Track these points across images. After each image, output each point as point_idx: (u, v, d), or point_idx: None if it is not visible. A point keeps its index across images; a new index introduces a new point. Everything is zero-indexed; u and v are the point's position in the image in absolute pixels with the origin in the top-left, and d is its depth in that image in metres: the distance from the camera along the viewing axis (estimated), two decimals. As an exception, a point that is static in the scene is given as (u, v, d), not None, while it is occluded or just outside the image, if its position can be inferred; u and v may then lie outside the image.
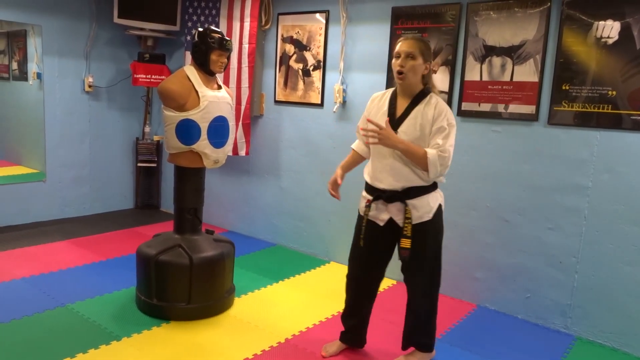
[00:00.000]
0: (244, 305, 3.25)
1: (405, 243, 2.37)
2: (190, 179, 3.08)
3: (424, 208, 2.38)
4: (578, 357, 2.86)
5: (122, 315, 3.01)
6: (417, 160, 2.30)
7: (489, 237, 3.37)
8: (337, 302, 3.36)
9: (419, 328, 2.62)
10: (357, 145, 2.68)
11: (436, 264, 2.53)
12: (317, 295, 3.50)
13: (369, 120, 2.34)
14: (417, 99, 2.37)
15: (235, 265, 3.36)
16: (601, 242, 2.98)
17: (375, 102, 2.53)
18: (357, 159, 2.70)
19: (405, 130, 2.34)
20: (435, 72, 3.46)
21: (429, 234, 2.42)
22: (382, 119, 2.36)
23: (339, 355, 2.71)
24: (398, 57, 2.34)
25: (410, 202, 2.36)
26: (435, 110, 2.32)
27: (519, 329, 3.16)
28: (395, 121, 2.37)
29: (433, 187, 2.43)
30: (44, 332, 2.77)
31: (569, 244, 3.08)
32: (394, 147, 2.31)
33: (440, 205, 2.45)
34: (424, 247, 2.43)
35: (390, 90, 2.50)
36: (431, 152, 2.28)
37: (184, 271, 2.92)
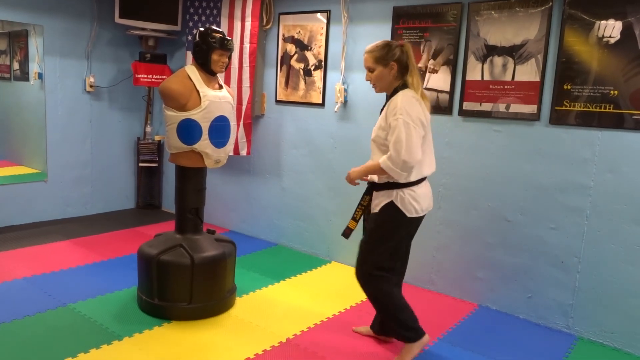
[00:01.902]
0: (245, 305, 3.25)
1: (351, 223, 2.62)
2: (192, 179, 3.08)
3: (375, 202, 2.53)
4: (580, 357, 2.86)
5: (123, 315, 3.01)
6: (379, 172, 2.46)
7: (491, 236, 3.36)
8: (338, 302, 3.36)
9: (383, 318, 2.72)
10: None
11: (367, 257, 2.56)
12: (318, 295, 3.50)
13: None
14: (388, 99, 2.50)
15: (236, 265, 3.36)
16: (603, 242, 2.97)
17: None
18: None
19: (373, 130, 2.52)
20: (436, 71, 3.47)
21: (373, 228, 2.55)
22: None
23: (342, 352, 2.71)
24: None
25: (374, 193, 2.55)
26: (389, 106, 2.41)
27: (521, 328, 3.16)
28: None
29: (392, 185, 2.45)
30: (45, 331, 2.77)
31: (571, 243, 3.08)
32: (359, 178, 2.56)
33: (391, 203, 2.46)
34: (365, 236, 2.59)
35: None
36: (382, 160, 2.39)
37: (185, 271, 2.92)
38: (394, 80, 2.48)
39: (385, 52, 2.44)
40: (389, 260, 2.58)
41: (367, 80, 2.54)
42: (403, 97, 2.39)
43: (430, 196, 2.60)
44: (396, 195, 2.45)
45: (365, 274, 2.58)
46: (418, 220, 2.57)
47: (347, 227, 2.63)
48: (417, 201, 2.47)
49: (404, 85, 2.46)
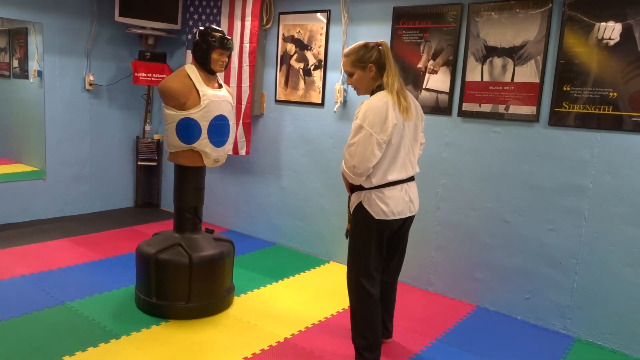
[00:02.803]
0: (243, 305, 3.25)
1: (348, 225, 2.59)
2: (191, 178, 3.08)
3: (350, 202, 2.53)
4: (577, 359, 2.86)
5: (121, 314, 3.01)
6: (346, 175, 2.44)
7: (489, 237, 3.37)
8: (336, 302, 3.36)
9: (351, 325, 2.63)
10: None
11: (348, 256, 2.55)
12: (316, 294, 3.50)
13: None
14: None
15: (235, 265, 3.36)
16: (601, 243, 2.98)
17: None
18: None
19: None
20: (435, 72, 3.47)
21: (351, 225, 2.54)
22: None
23: (339, 352, 2.71)
24: None
25: (352, 194, 2.54)
26: (358, 109, 2.37)
27: (519, 329, 3.16)
28: None
29: (360, 187, 2.43)
30: (43, 330, 2.77)
31: (569, 245, 3.08)
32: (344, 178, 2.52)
33: (360, 204, 2.43)
34: (349, 235, 2.58)
35: None
36: (342, 164, 2.41)
37: (183, 270, 2.92)
38: (373, 81, 2.43)
39: (361, 55, 2.39)
40: (372, 264, 2.49)
41: (348, 84, 2.50)
42: (370, 101, 2.35)
43: (406, 200, 2.47)
44: (364, 197, 2.41)
45: (350, 280, 2.54)
46: (392, 224, 2.47)
47: (348, 229, 2.60)
48: (385, 203, 2.39)
49: (380, 87, 2.40)
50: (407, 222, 2.60)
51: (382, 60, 2.39)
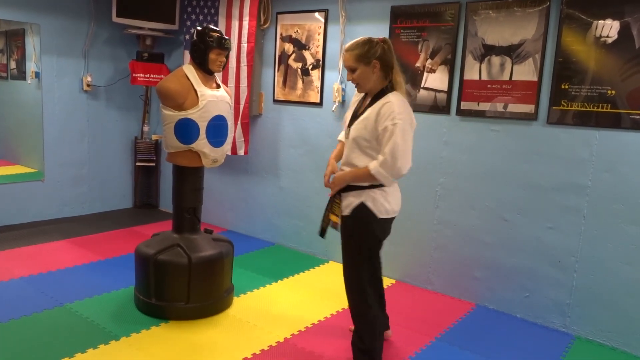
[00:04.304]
0: (242, 305, 3.25)
1: (333, 217, 2.48)
2: (189, 178, 3.07)
3: (344, 202, 2.42)
4: (577, 356, 2.86)
5: (120, 315, 3.01)
6: (368, 179, 2.32)
7: (488, 236, 3.37)
8: (335, 302, 3.36)
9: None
10: (342, 136, 2.69)
11: (350, 262, 2.47)
12: (316, 294, 3.50)
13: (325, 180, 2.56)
14: (375, 98, 2.37)
15: (234, 265, 3.35)
16: (600, 241, 2.98)
17: (353, 101, 2.58)
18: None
19: (354, 128, 2.38)
20: (434, 71, 3.47)
21: (346, 229, 2.44)
22: (350, 113, 2.52)
23: (338, 352, 2.71)
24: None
25: (342, 194, 2.43)
26: (380, 110, 2.28)
27: (518, 328, 3.16)
28: (356, 120, 2.42)
29: (363, 186, 2.36)
30: (42, 331, 2.77)
31: (568, 243, 3.08)
32: (346, 183, 2.39)
33: (362, 204, 2.35)
34: (343, 241, 2.47)
35: None
36: (372, 165, 2.28)
37: (182, 271, 2.92)
38: (379, 79, 2.36)
39: (366, 50, 2.31)
40: (371, 264, 2.48)
41: (348, 80, 2.41)
42: (397, 101, 2.29)
43: (400, 197, 2.47)
44: (367, 196, 2.34)
45: (353, 286, 2.48)
46: (388, 224, 2.46)
47: (334, 222, 2.50)
48: (388, 201, 2.37)
49: (392, 86, 2.36)
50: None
51: (387, 57, 2.34)
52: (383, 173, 2.25)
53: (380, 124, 2.26)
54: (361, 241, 2.43)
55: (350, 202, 2.39)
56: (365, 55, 2.31)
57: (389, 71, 2.36)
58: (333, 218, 2.49)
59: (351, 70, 2.36)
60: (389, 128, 2.23)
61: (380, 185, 2.34)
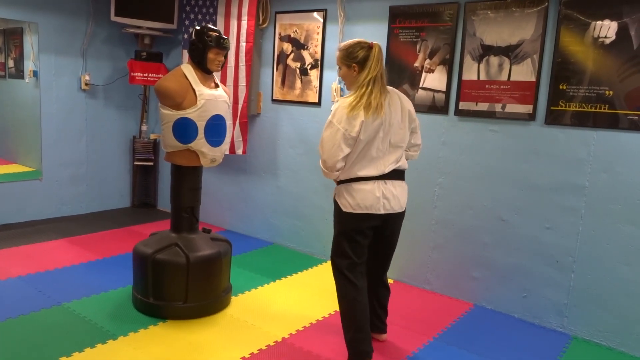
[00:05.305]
0: (240, 304, 3.25)
1: None
2: (187, 178, 3.07)
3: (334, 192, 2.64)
4: (574, 356, 2.87)
5: (118, 314, 3.01)
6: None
7: (486, 236, 3.37)
8: (333, 301, 3.35)
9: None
10: None
11: (333, 246, 2.64)
12: (313, 294, 3.50)
13: None
14: None
15: (232, 264, 3.35)
16: (598, 241, 2.98)
17: None
18: None
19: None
20: (432, 71, 3.47)
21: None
22: None
23: (336, 351, 2.71)
24: None
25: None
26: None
27: (516, 328, 3.17)
28: None
29: (338, 183, 2.59)
30: (40, 330, 2.76)
31: (566, 243, 3.09)
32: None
33: (334, 197, 2.59)
34: None
35: None
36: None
37: (180, 270, 2.92)
38: (356, 80, 2.47)
39: (347, 53, 2.45)
40: (348, 253, 2.54)
41: (339, 75, 2.61)
42: (342, 99, 2.46)
43: (377, 196, 2.46)
44: (337, 190, 2.58)
45: (332, 262, 2.65)
46: (362, 218, 2.49)
47: None
48: (351, 196, 2.48)
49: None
50: (390, 221, 2.58)
51: (370, 62, 2.42)
52: (320, 164, 2.52)
53: None
54: (334, 230, 2.63)
55: (333, 194, 2.63)
56: (346, 58, 2.47)
57: (358, 77, 2.45)
58: None
59: (338, 68, 2.55)
60: (326, 124, 2.47)
61: (348, 182, 2.51)
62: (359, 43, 2.45)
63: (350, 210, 2.49)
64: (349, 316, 2.55)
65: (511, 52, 3.16)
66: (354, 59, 2.43)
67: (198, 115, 2.89)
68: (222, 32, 3.07)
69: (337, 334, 2.92)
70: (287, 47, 4.23)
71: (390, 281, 3.73)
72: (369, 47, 2.43)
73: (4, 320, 2.85)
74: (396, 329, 2.99)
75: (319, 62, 4.04)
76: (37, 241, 4.19)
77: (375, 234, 2.60)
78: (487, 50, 3.25)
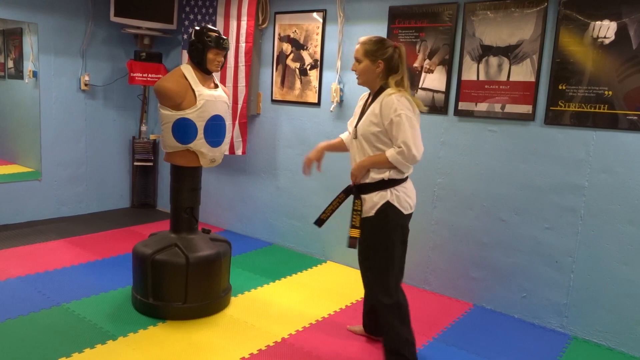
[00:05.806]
0: (240, 305, 3.25)
1: (353, 232, 2.47)
2: (187, 178, 3.07)
3: (367, 204, 2.45)
4: (574, 356, 2.87)
5: (118, 315, 3.00)
6: (386, 165, 2.40)
7: (485, 236, 3.37)
8: (333, 302, 3.36)
9: (381, 324, 2.59)
10: (345, 136, 2.80)
11: (375, 263, 2.49)
12: (313, 294, 3.50)
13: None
14: (376, 95, 2.47)
15: (231, 265, 3.35)
16: (597, 241, 2.99)
17: (359, 101, 2.67)
18: (340, 147, 2.83)
19: (360, 126, 2.48)
20: (432, 71, 3.47)
21: (371, 231, 2.46)
22: (355, 118, 2.59)
23: (336, 352, 2.71)
24: None
25: (363, 197, 2.47)
26: (382, 105, 2.38)
27: (515, 328, 3.17)
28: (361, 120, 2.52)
29: (385, 184, 2.42)
30: (39, 331, 2.76)
31: (565, 243, 3.09)
32: (364, 169, 2.46)
33: (387, 203, 2.41)
34: (366, 244, 2.50)
35: None
36: (390, 153, 2.37)
37: (180, 270, 2.91)
38: (378, 78, 2.45)
39: (376, 48, 2.42)
40: (399, 261, 2.51)
41: (352, 69, 2.52)
42: (396, 94, 2.37)
43: (415, 192, 2.57)
44: (392, 195, 2.42)
45: (381, 303, 2.49)
46: (409, 220, 2.55)
47: (352, 237, 2.47)
48: (409, 197, 2.49)
49: (387, 85, 2.44)
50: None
51: (394, 62, 2.43)
52: (400, 160, 2.35)
53: (386, 118, 2.35)
54: (388, 243, 2.46)
55: (374, 203, 2.43)
56: (373, 53, 2.42)
57: (390, 73, 2.45)
58: (353, 233, 2.47)
59: (358, 61, 2.47)
60: (395, 120, 2.33)
61: (399, 182, 2.43)
62: (385, 40, 2.45)
63: (410, 211, 2.49)
64: (406, 344, 2.50)
65: (510, 53, 3.16)
66: (383, 55, 2.41)
67: (197, 115, 2.89)
68: (221, 32, 3.08)
69: (336, 334, 2.92)
70: (287, 47, 4.23)
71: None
72: (395, 46, 2.44)
73: (4, 320, 2.85)
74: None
75: (319, 63, 4.04)
76: (36, 242, 4.19)
77: None
78: (487, 51, 3.25)
